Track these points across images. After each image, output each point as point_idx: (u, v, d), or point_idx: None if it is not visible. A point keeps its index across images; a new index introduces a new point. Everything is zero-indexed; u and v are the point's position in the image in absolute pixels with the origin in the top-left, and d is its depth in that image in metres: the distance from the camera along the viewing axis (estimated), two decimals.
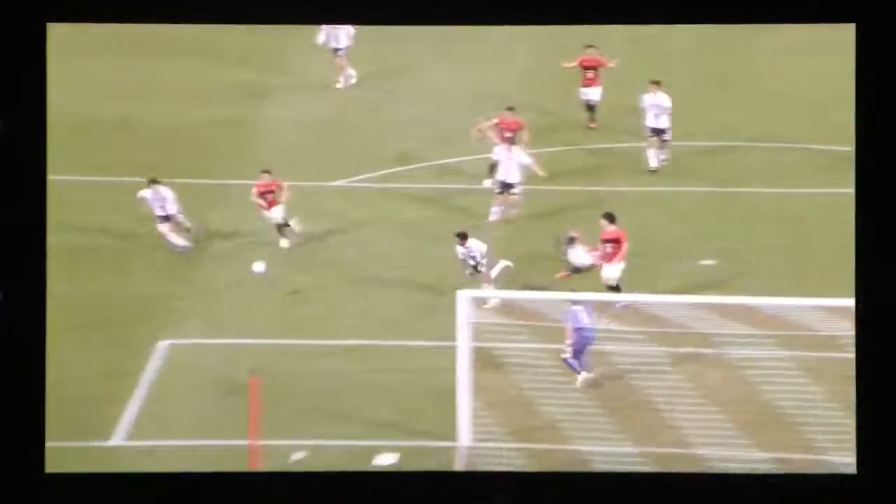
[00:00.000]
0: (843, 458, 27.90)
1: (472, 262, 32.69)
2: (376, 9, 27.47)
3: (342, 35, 43.86)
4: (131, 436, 28.99)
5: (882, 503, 26.48)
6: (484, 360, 29.44)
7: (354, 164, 38.73)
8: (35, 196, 26.23)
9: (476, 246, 32.69)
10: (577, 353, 30.21)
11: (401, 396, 29.83)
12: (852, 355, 28.41)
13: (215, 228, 36.16)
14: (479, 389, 28.77)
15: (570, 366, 30.30)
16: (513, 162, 35.20)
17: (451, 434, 28.32)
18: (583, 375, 30.02)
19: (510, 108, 36.97)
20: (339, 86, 43.38)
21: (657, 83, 38.88)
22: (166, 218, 34.13)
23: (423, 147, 39.14)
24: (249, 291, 33.38)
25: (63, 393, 29.65)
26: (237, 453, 27.51)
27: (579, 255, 33.27)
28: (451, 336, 29.13)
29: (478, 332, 29.00)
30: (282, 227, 34.53)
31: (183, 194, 35.95)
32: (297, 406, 29.24)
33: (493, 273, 32.57)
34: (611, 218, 32.92)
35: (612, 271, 32.89)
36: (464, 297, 28.90)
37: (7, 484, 26.46)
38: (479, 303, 29.79)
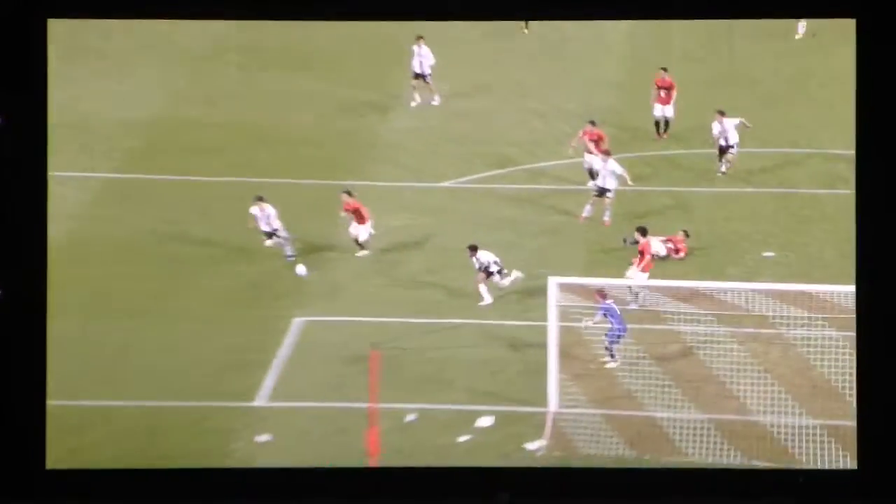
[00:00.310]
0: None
1: (480, 270, 32.46)
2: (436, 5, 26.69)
3: (426, 64, 45.44)
4: (271, 398, 29.36)
5: (881, 498, 25.98)
6: (570, 338, 29.37)
7: (461, 167, 38.06)
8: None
9: (484, 256, 32.51)
10: (614, 341, 29.89)
11: (498, 368, 29.91)
12: None
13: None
14: (565, 362, 28.93)
15: (610, 350, 29.94)
16: (608, 171, 35.32)
17: (541, 401, 28.49)
18: (612, 363, 29.75)
19: (592, 122, 37.03)
20: (434, 103, 44.85)
21: (722, 112, 39.16)
22: (270, 234, 33.74)
23: (519, 152, 38.61)
24: (371, 276, 33.35)
25: (214, 360, 30.22)
26: (359, 414, 27.81)
27: (656, 245, 33.29)
28: (542, 317, 29.20)
29: (564, 313, 29.07)
30: (359, 243, 33.85)
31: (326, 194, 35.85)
32: (409, 375, 29.48)
33: (506, 282, 32.27)
34: (643, 231, 32.96)
35: (640, 277, 32.68)
36: (553, 282, 29.02)
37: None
38: (563, 288, 29.26)
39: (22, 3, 24.46)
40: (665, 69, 40.99)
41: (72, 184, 36.09)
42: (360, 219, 33.93)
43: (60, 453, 27.56)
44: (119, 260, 33.74)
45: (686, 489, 26.53)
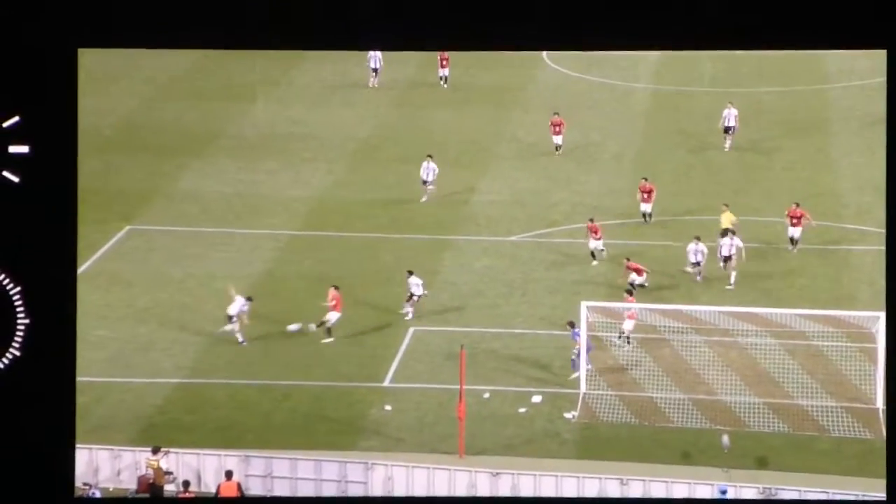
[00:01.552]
0: (808, 401, 27.45)
1: (411, 292, 31.39)
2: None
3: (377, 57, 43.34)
4: (393, 380, 29.34)
5: None
6: (594, 343, 29.21)
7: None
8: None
9: (413, 280, 31.30)
10: (578, 358, 28.45)
11: (546, 363, 29.67)
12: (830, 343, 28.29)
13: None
14: (591, 360, 28.88)
15: (573, 364, 28.53)
16: (733, 245, 33.32)
17: (574, 386, 28.38)
18: (574, 375, 28.55)
19: (591, 220, 34.59)
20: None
21: (731, 102, 40.08)
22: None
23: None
24: (461, 297, 32.89)
25: (360, 353, 30.06)
26: (453, 393, 27.27)
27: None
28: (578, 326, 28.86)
29: (591, 325, 28.91)
30: (328, 326, 29.99)
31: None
32: (486, 367, 29.40)
33: (408, 309, 31.11)
34: (797, 203, 33.35)
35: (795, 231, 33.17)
36: (584, 305, 28.98)
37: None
38: (591, 309, 28.86)
39: (52, 33, 17.24)
40: (557, 112, 40.63)
41: None
42: (336, 308, 30.62)
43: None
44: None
45: None
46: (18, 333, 17.26)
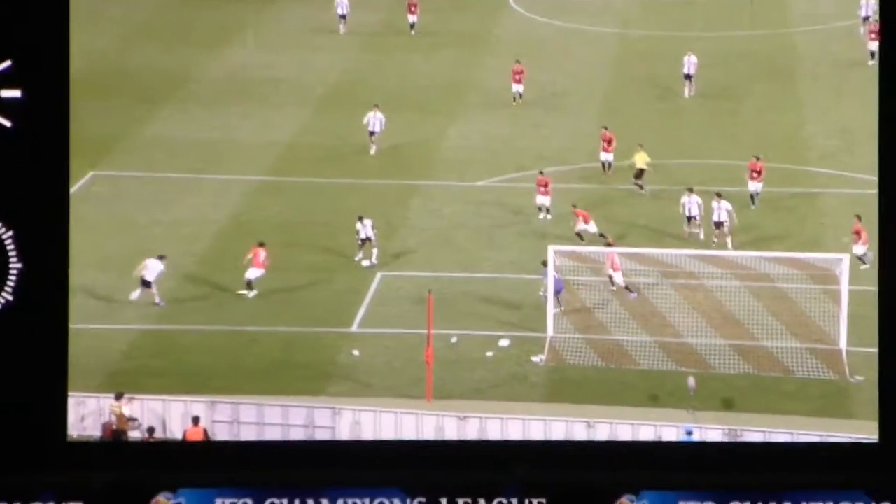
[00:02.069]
0: (773, 343, 27.52)
1: (362, 236, 31.02)
2: None
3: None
4: (361, 325, 29.09)
5: None
6: (564, 286, 29.03)
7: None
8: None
9: (367, 222, 30.94)
10: (555, 294, 28.40)
11: (514, 307, 29.53)
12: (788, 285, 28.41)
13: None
14: (559, 302, 28.80)
15: (544, 300, 28.31)
16: (722, 209, 32.31)
17: (542, 329, 28.19)
18: (557, 310, 28.46)
19: (574, 205, 33.09)
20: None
21: (691, 50, 39.89)
22: None
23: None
24: (429, 242, 32.70)
25: (327, 299, 29.80)
26: (421, 337, 27.00)
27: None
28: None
29: (560, 269, 28.87)
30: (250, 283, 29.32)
31: None
32: (454, 311, 29.12)
33: (365, 262, 30.75)
34: (757, 157, 32.04)
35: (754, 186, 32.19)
36: (552, 249, 28.92)
37: None
38: (560, 254, 28.84)
39: None
40: (518, 60, 39.70)
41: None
42: (258, 264, 29.75)
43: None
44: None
45: (701, 465, 18.96)
46: (11, 278, 17.34)
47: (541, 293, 29.20)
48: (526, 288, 30.41)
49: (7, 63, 17.08)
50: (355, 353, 28.19)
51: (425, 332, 26.75)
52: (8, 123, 17.08)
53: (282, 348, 28.12)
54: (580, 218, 32.66)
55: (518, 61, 41.22)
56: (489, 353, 28.02)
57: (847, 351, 27.75)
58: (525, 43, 47.18)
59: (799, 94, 43.01)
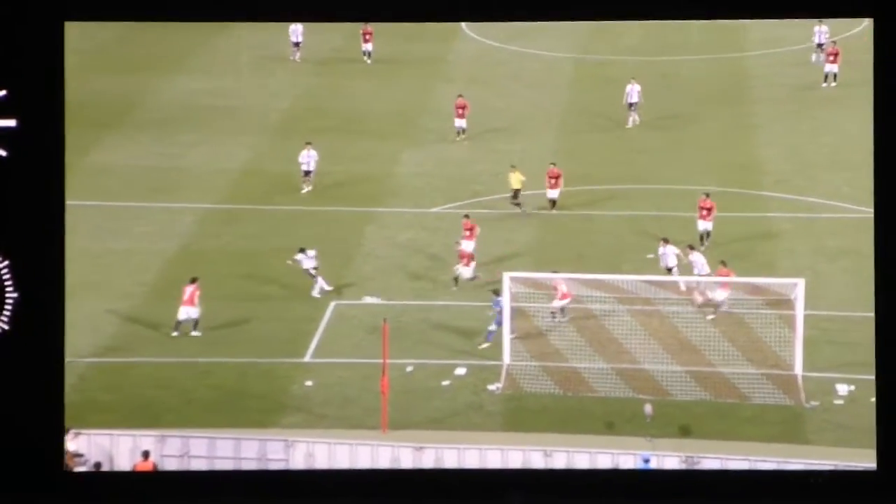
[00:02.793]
0: (730, 368, 27.55)
1: (305, 266, 30.81)
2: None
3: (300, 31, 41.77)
4: (315, 355, 28.91)
5: None
6: (517, 313, 29.07)
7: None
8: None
9: (304, 256, 30.76)
10: (495, 327, 28.44)
11: (469, 335, 29.49)
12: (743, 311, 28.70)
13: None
14: (515, 330, 28.76)
15: (488, 335, 28.53)
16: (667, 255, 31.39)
17: (499, 356, 28.18)
18: (484, 345, 28.64)
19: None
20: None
21: (634, 78, 39.77)
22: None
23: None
24: (384, 270, 32.62)
25: (279, 329, 29.76)
26: (376, 367, 26.97)
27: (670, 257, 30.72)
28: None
29: (515, 296, 28.77)
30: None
31: None
32: (409, 340, 29.17)
33: (316, 290, 30.82)
34: (707, 194, 31.63)
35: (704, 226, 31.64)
36: (507, 276, 28.73)
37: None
38: (515, 280, 28.66)
39: (37, 7, 18.31)
40: (461, 95, 39.57)
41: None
42: (188, 302, 29.12)
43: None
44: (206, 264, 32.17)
45: (699, 491, 20.51)
46: (7, 307, 18.02)
47: (492, 325, 28.97)
48: (482, 315, 30.36)
49: (2, 93, 17.64)
50: (309, 383, 28.13)
51: (380, 361, 26.72)
52: (3, 153, 17.64)
53: (234, 380, 28.03)
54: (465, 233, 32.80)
55: (461, 95, 40.85)
56: (445, 383, 28.00)
57: (802, 376, 27.90)
58: (480, 68, 47.17)
59: (754, 118, 43.34)
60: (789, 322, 28.72)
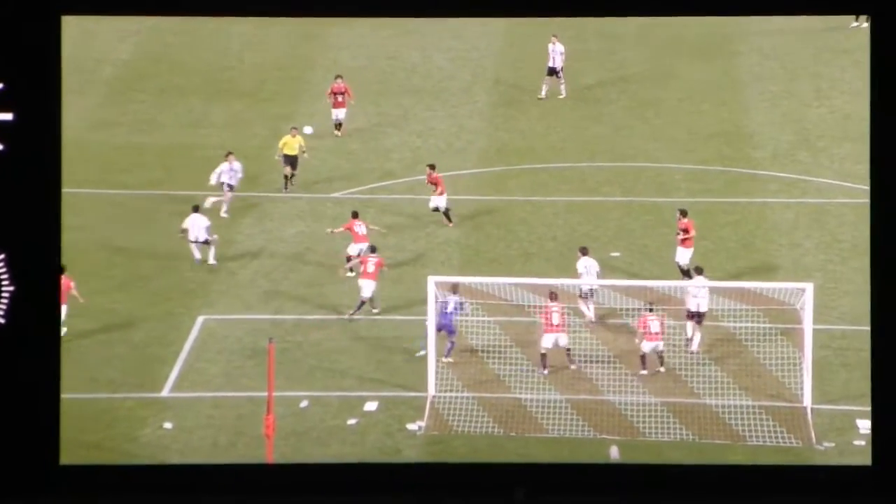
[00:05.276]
0: (718, 400, 27.64)
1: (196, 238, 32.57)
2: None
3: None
4: (177, 389, 28.86)
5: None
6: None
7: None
8: (50, 191, 21.96)
9: (194, 222, 32.63)
10: (438, 330, 28.82)
11: (383, 358, 29.57)
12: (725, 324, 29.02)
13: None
14: (441, 352, 28.97)
15: (423, 344, 29.08)
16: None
17: (421, 387, 28.34)
18: (420, 353, 29.03)
19: (431, 166, 35.24)
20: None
21: (555, 35, 40.69)
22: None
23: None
24: (268, 278, 32.79)
25: (126, 354, 29.72)
26: (258, 402, 27.20)
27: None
28: (423, 312, 29.16)
29: (442, 306, 28.85)
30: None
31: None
32: (303, 366, 29.20)
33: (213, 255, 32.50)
34: (683, 212, 31.89)
35: (684, 256, 31.63)
36: (432, 280, 28.97)
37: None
38: (441, 285, 28.97)
39: (35, 1, 21.99)
40: (340, 76, 39.90)
41: None
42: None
43: None
44: None
45: (695, 486, 23.06)
46: (3, 300, 21.87)
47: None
48: (399, 332, 30.46)
49: None
50: (167, 426, 27.98)
51: (264, 394, 26.57)
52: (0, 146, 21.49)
53: (61, 424, 26.69)
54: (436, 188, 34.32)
55: (339, 77, 40.27)
56: (351, 421, 28.03)
57: (812, 409, 28.05)
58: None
59: (739, 74, 43.71)
60: (795, 339, 29.05)
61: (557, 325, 29.25)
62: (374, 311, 31.26)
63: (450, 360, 29.33)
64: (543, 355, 29.18)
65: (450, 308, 29.30)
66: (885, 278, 21.74)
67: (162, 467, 25.73)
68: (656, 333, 28.98)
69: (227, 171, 35.92)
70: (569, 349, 29.38)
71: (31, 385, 22.14)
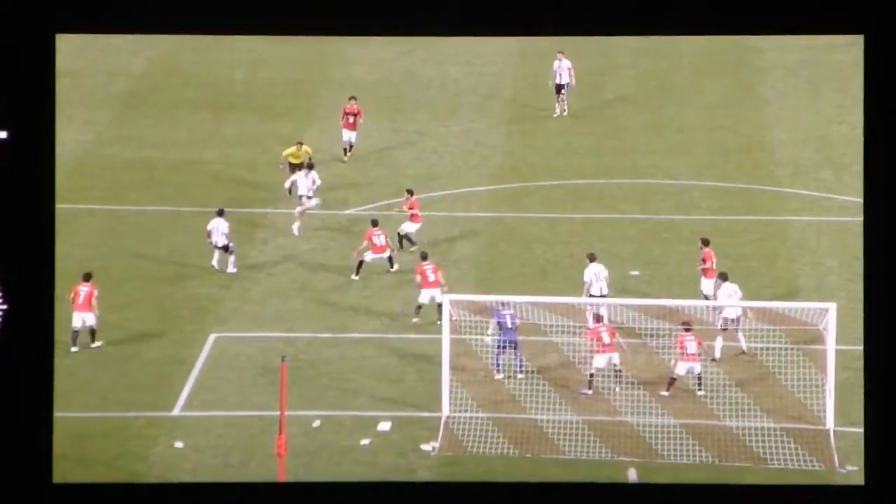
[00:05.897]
0: (738, 422, 27.75)
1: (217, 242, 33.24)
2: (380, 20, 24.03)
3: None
4: (188, 408, 29.00)
5: None
6: (460, 349, 29.32)
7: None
8: (45, 208, 22.73)
9: (216, 225, 33.28)
10: (499, 351, 29.20)
11: (396, 377, 29.75)
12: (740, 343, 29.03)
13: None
14: (456, 371, 28.85)
15: (492, 364, 29.34)
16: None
17: (435, 406, 28.38)
18: (498, 376, 29.21)
19: (409, 192, 34.99)
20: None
21: (562, 52, 40.78)
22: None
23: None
24: (281, 295, 33.04)
25: (137, 372, 30.00)
26: (270, 421, 27.26)
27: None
28: (437, 330, 29.31)
29: (456, 326, 29.00)
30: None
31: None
32: (316, 385, 29.35)
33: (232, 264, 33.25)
34: (706, 241, 31.83)
35: (707, 286, 31.53)
36: (447, 299, 28.93)
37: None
38: (456, 304, 28.94)
39: (29, 19, 22.70)
40: (354, 98, 40.08)
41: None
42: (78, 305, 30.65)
43: None
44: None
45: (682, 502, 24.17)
46: None
47: (488, 335, 29.55)
48: (412, 350, 30.46)
49: None
50: (179, 444, 28.04)
51: (276, 413, 26.57)
52: None
53: (71, 442, 27.41)
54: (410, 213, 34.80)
55: (353, 98, 40.41)
56: (364, 441, 28.01)
57: (835, 431, 27.97)
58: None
59: (762, 90, 43.99)
60: (818, 361, 29.01)
61: (609, 345, 29.16)
62: (414, 320, 31.29)
63: (521, 375, 29.23)
64: (591, 375, 29.14)
65: (509, 322, 29.37)
66: (880, 297, 22.40)
67: (172, 486, 25.80)
68: (693, 355, 28.86)
69: (303, 180, 35.81)
70: (620, 369, 29.29)
71: (24, 403, 22.67)
